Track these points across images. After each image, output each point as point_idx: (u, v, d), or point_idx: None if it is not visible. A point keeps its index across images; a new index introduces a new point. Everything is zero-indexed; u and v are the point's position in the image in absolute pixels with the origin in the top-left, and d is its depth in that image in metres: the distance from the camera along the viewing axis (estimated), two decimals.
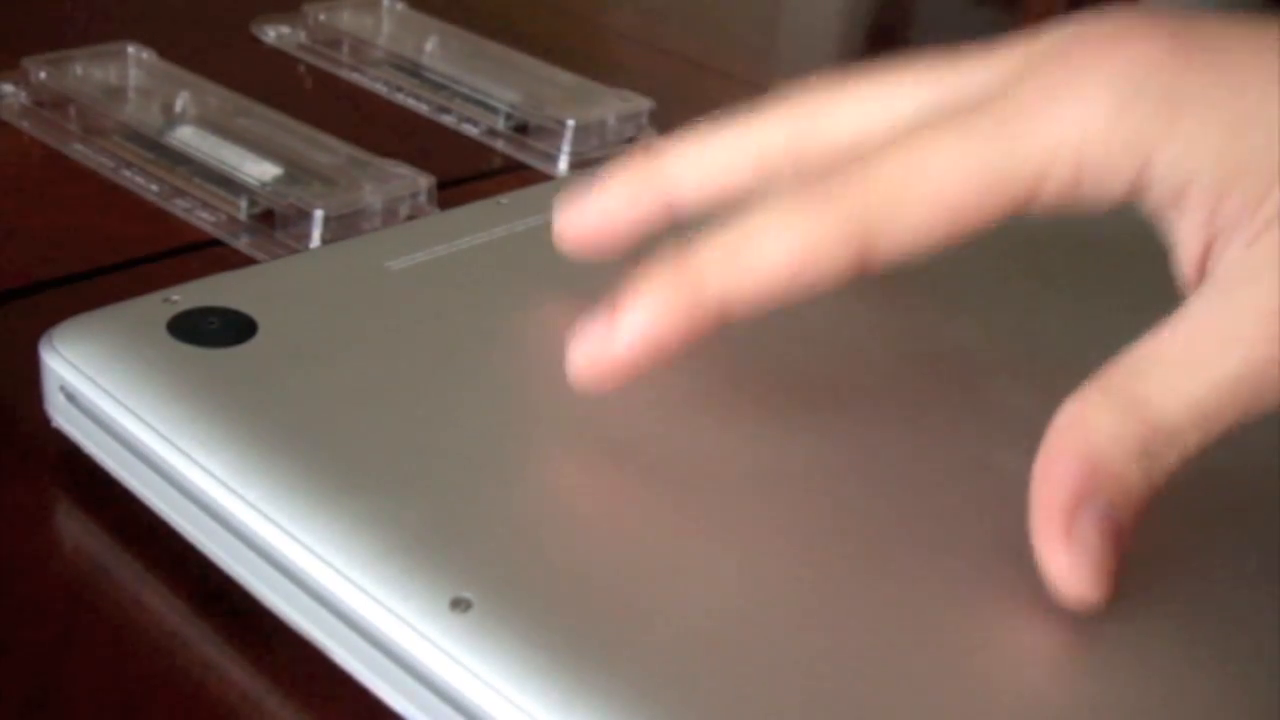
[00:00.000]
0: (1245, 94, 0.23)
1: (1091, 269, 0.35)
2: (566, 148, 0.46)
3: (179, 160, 0.41)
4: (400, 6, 0.54)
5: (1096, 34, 0.24)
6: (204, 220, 0.39)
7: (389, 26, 0.53)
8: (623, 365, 0.25)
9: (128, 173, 0.40)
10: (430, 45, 0.52)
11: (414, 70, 0.50)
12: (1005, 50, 0.27)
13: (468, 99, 0.48)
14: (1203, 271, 0.24)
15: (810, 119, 0.29)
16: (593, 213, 0.30)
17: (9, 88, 0.44)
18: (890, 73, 0.28)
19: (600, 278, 0.32)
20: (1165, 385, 0.23)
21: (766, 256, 0.25)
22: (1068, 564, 0.23)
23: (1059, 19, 0.26)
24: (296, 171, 0.40)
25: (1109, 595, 0.23)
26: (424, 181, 0.40)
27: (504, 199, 0.35)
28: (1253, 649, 0.24)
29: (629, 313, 0.25)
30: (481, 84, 0.49)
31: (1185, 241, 0.24)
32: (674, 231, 0.28)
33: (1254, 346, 0.22)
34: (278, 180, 0.39)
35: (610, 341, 0.25)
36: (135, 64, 0.46)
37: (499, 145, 0.46)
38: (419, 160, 0.41)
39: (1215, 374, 0.23)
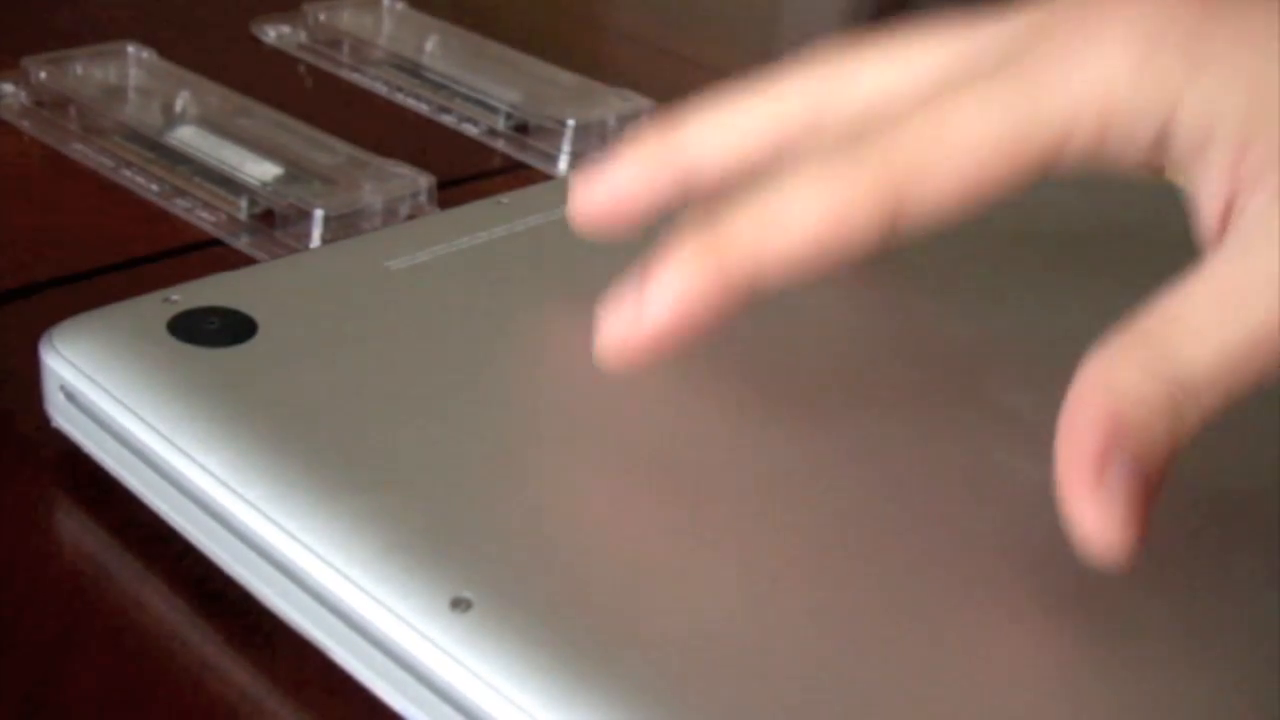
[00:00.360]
0: (1267, 42, 0.23)
1: (1096, 268, 0.35)
2: (566, 148, 0.46)
3: (179, 160, 0.41)
4: (400, 6, 0.54)
5: None
6: (204, 220, 0.39)
7: (389, 26, 0.53)
8: (654, 340, 0.25)
9: (128, 173, 0.40)
10: (430, 45, 0.52)
11: (414, 70, 0.50)
12: (1024, 9, 0.27)
13: (468, 99, 0.48)
14: (1225, 226, 0.24)
15: (828, 84, 0.28)
16: (609, 188, 0.29)
17: (9, 88, 0.44)
18: (908, 36, 0.28)
19: (601, 276, 0.32)
20: (1188, 342, 0.22)
21: (798, 220, 0.24)
22: (1096, 516, 0.22)
23: None
24: (296, 171, 0.40)
25: (1138, 548, 0.22)
26: (424, 181, 0.40)
27: (504, 199, 0.35)
28: (1256, 649, 0.24)
29: (659, 283, 0.24)
30: (481, 84, 0.49)
31: (1208, 195, 0.24)
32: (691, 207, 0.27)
33: (1275, 305, 0.22)
34: (278, 180, 0.39)
35: (641, 315, 0.25)
36: (135, 64, 0.46)
37: (499, 145, 0.46)
38: (419, 160, 0.41)
39: (1238, 330, 0.22)
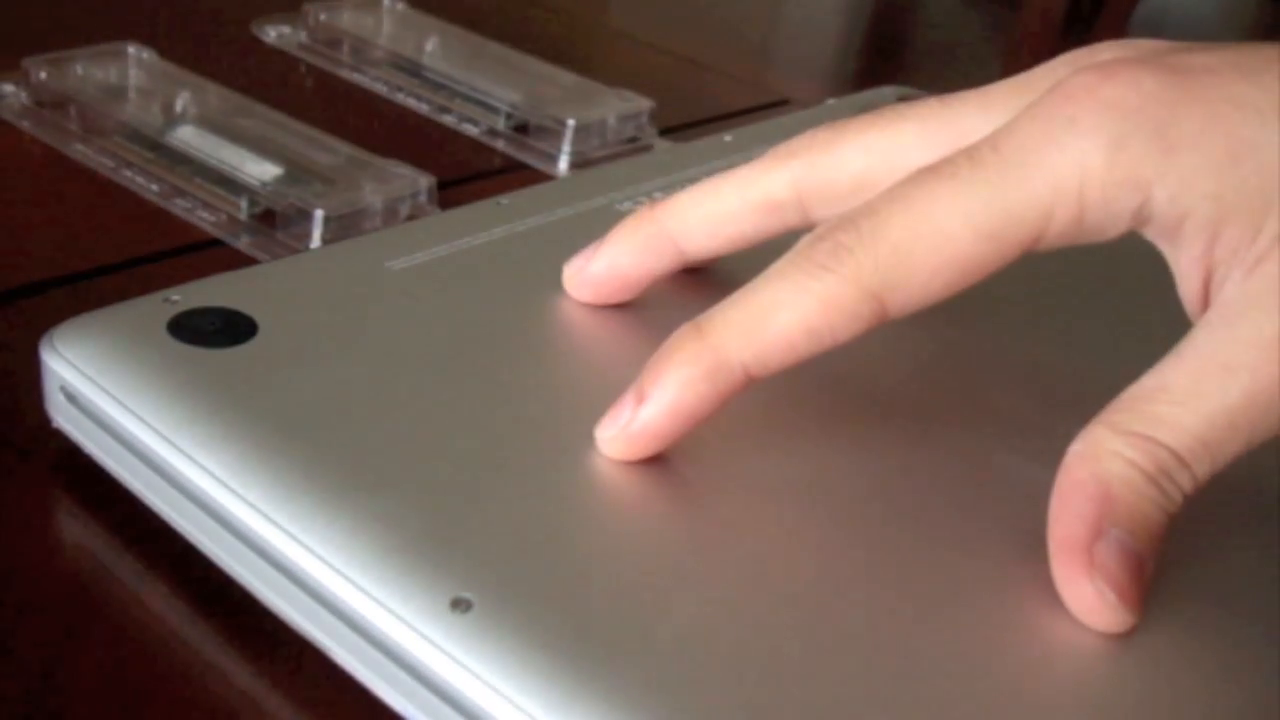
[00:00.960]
0: (1238, 124, 0.24)
1: (1100, 274, 0.35)
2: (566, 148, 0.46)
3: (179, 160, 0.41)
4: (400, 6, 0.54)
5: (1089, 72, 0.25)
6: (204, 220, 0.39)
7: (389, 26, 0.53)
8: (655, 441, 0.25)
9: (128, 173, 0.40)
10: (430, 45, 0.52)
11: (414, 70, 0.50)
12: (1000, 92, 0.28)
13: (468, 99, 0.48)
14: (1206, 300, 0.24)
15: (813, 163, 0.29)
16: (601, 266, 0.31)
17: (9, 88, 0.44)
18: (889, 117, 0.29)
19: None
20: (1173, 417, 0.23)
21: (783, 326, 0.25)
22: (1092, 595, 0.23)
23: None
24: (297, 171, 0.40)
25: (1135, 622, 0.23)
26: (424, 181, 0.40)
27: (504, 199, 0.35)
28: (1259, 645, 0.24)
29: (655, 391, 0.25)
30: (481, 84, 0.49)
31: (1186, 272, 0.25)
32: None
33: (1255, 375, 0.23)
34: (278, 180, 0.39)
35: (638, 419, 0.25)
36: (135, 64, 0.46)
37: (499, 145, 0.46)
38: (419, 160, 0.41)
39: (1220, 404, 0.23)
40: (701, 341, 0.25)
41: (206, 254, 0.37)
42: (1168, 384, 0.23)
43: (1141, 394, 0.24)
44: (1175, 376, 0.23)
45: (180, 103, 0.43)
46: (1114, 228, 0.25)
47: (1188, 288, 0.25)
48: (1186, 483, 0.23)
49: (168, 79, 0.45)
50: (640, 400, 0.25)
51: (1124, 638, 0.23)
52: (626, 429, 0.25)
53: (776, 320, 0.25)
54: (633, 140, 0.48)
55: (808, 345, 0.25)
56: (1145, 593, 0.23)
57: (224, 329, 0.28)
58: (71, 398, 0.27)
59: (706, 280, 0.32)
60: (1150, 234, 0.25)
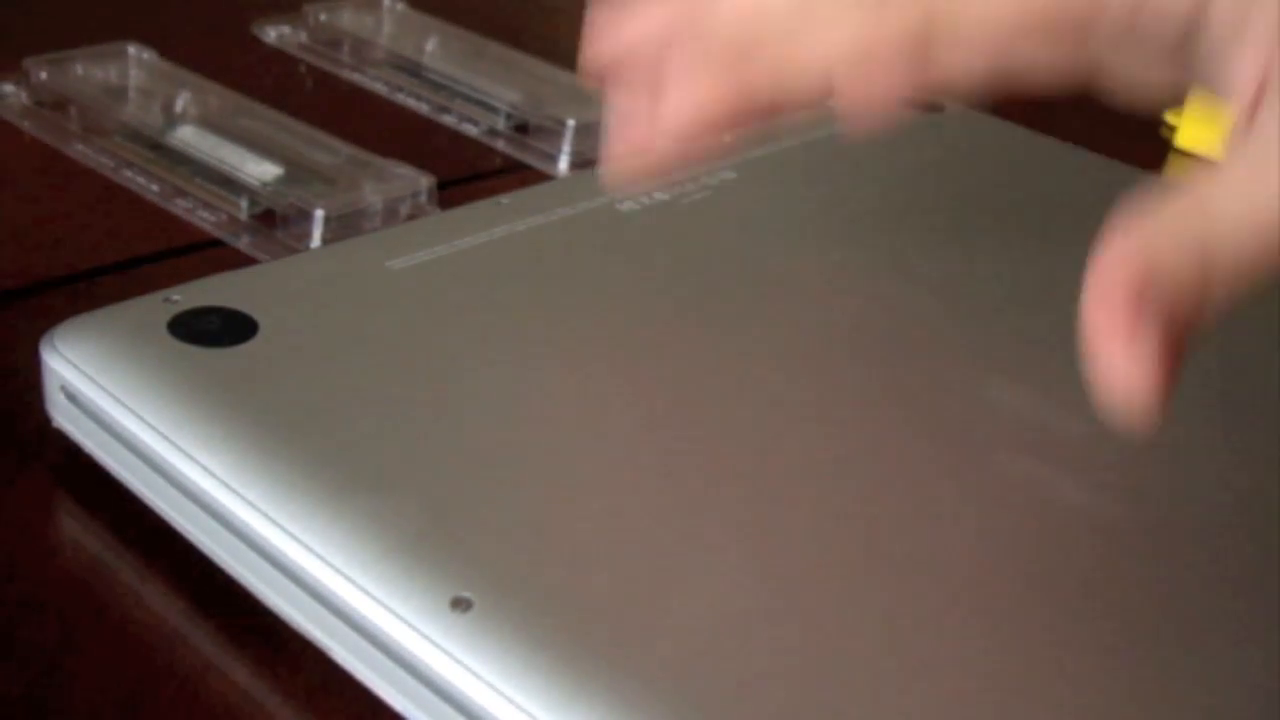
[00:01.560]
0: None
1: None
2: (567, 148, 0.46)
3: (179, 160, 0.41)
4: (400, 6, 0.54)
5: None
6: (204, 220, 0.39)
7: (389, 26, 0.53)
8: (667, 149, 0.24)
9: (128, 173, 0.40)
10: (430, 45, 0.52)
11: (414, 70, 0.50)
12: None
13: (468, 99, 0.48)
14: (1260, 104, 0.23)
15: None
16: (622, 38, 0.27)
17: (9, 88, 0.44)
18: None
19: (601, 277, 0.32)
20: (1225, 195, 0.22)
21: (824, 43, 0.23)
22: (1131, 367, 0.22)
23: None
24: (297, 171, 0.40)
25: (1165, 408, 0.22)
26: (424, 181, 0.40)
27: (504, 199, 0.35)
28: (1256, 647, 0.24)
29: (675, 90, 0.23)
30: (481, 84, 0.49)
31: (1242, 73, 0.24)
32: None
33: None
34: (278, 180, 0.39)
35: (654, 122, 0.23)
36: (135, 64, 0.46)
37: (499, 145, 0.46)
38: (419, 160, 0.41)
39: (1275, 200, 0.22)
40: (731, 48, 0.23)
41: (206, 254, 0.37)
42: (1224, 171, 0.23)
43: (1195, 184, 0.23)
44: (1231, 170, 0.23)
45: (180, 103, 0.43)
46: (1173, 17, 0.23)
47: (1242, 92, 0.24)
48: (1229, 280, 0.22)
49: (168, 79, 0.45)
50: (658, 103, 0.23)
51: (1123, 635, 0.23)
52: (641, 139, 0.23)
53: (816, 39, 0.23)
54: None
55: (843, 75, 0.23)
56: (1174, 387, 0.22)
57: (224, 329, 0.28)
58: (72, 397, 0.27)
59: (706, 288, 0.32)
60: (1206, 39, 0.24)
